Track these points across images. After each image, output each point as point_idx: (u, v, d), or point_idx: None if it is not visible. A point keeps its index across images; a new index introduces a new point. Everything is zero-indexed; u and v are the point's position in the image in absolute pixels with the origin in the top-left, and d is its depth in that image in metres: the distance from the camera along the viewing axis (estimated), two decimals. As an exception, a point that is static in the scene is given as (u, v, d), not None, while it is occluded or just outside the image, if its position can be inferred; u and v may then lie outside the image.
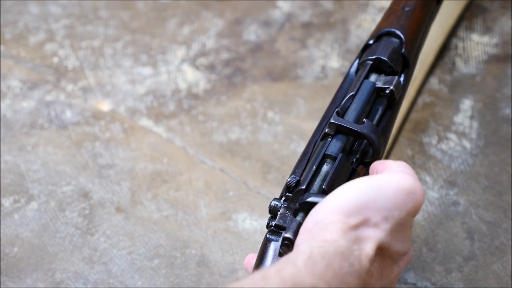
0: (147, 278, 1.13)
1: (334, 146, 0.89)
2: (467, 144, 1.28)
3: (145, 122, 1.32)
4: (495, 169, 1.25)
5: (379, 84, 0.96)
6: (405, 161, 1.25)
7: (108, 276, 1.13)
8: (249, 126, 1.31)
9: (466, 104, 1.33)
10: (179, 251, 1.16)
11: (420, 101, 1.34)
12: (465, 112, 1.32)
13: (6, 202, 1.21)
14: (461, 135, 1.29)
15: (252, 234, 1.17)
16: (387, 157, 1.25)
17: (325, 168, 0.87)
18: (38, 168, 1.25)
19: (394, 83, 0.95)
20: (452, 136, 1.29)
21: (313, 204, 0.81)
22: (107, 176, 1.24)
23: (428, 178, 1.23)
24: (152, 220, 1.19)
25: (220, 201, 1.21)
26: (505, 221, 1.18)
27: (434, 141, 1.28)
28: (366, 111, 0.94)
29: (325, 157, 0.88)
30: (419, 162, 1.25)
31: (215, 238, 1.17)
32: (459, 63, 1.39)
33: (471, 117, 1.31)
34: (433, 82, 1.37)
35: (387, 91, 0.95)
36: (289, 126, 1.30)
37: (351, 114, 0.92)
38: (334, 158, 0.88)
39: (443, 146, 1.28)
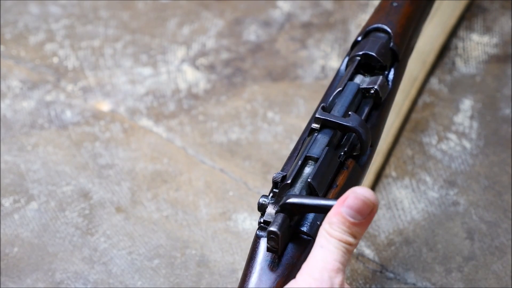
0: (147, 278, 1.13)
1: (320, 140, 0.89)
2: (467, 144, 1.28)
3: (145, 122, 1.32)
4: (495, 169, 1.25)
5: (363, 85, 0.96)
6: (405, 161, 1.26)
7: (108, 276, 1.13)
8: (249, 126, 1.31)
9: (466, 104, 1.33)
10: (179, 251, 1.16)
11: (420, 101, 1.34)
12: (465, 112, 1.32)
13: (6, 202, 1.21)
14: (461, 135, 1.29)
15: (252, 234, 1.17)
16: (387, 157, 1.25)
17: (311, 162, 0.87)
18: (38, 168, 1.25)
19: (378, 82, 0.96)
20: (452, 136, 1.29)
21: (294, 205, 0.81)
22: (107, 176, 1.24)
23: (428, 178, 1.23)
24: (152, 220, 1.19)
25: (220, 201, 1.21)
26: (505, 221, 1.18)
27: (434, 141, 1.28)
28: (353, 107, 0.94)
29: (311, 151, 0.88)
30: (419, 162, 1.25)
31: (215, 238, 1.17)
32: (459, 63, 1.39)
33: (471, 117, 1.31)
34: (433, 82, 1.37)
35: (372, 91, 0.96)
36: (289, 126, 1.30)
37: (338, 109, 0.93)
38: (319, 152, 0.88)
39: (443, 146, 1.28)
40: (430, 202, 1.21)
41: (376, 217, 1.19)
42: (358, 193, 0.79)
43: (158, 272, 1.14)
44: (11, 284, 1.12)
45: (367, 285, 1.12)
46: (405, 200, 1.21)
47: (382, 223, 1.18)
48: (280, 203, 0.82)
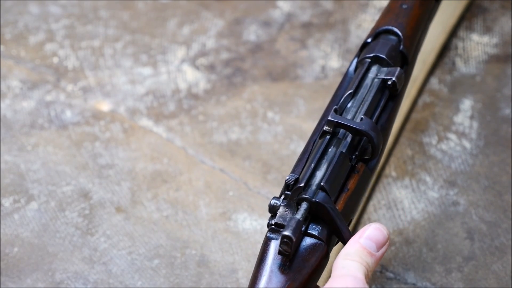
0: (147, 278, 1.13)
1: (332, 143, 0.89)
2: (467, 144, 1.28)
3: (145, 122, 1.32)
4: (495, 169, 1.25)
5: (381, 75, 0.96)
6: (405, 161, 1.26)
7: (108, 276, 1.13)
8: (249, 126, 1.31)
9: (466, 104, 1.33)
10: (179, 251, 1.16)
11: (420, 101, 1.34)
12: (465, 112, 1.32)
13: (6, 202, 1.21)
14: (461, 135, 1.29)
15: (252, 234, 1.17)
16: (388, 158, 1.25)
17: (323, 165, 0.87)
18: (38, 168, 1.25)
19: (396, 74, 0.96)
20: (452, 136, 1.29)
21: (326, 213, 0.83)
22: (107, 176, 1.24)
23: (428, 178, 1.23)
24: (152, 220, 1.19)
25: (220, 201, 1.21)
26: (505, 221, 1.18)
27: (434, 141, 1.28)
28: (366, 107, 0.94)
29: (323, 154, 0.88)
30: (419, 162, 1.25)
31: (215, 238, 1.17)
32: (459, 63, 1.39)
33: (471, 117, 1.31)
34: (433, 82, 1.37)
35: (389, 83, 0.96)
36: (289, 126, 1.30)
37: (350, 111, 0.93)
38: (332, 156, 0.88)
39: (443, 146, 1.28)
40: (430, 202, 1.21)
41: (376, 217, 1.19)
42: (376, 225, 0.84)
43: (158, 272, 1.14)
44: (11, 284, 1.12)
45: (367, 285, 1.12)
46: (405, 200, 1.21)
47: (382, 223, 1.18)
48: (312, 199, 0.84)
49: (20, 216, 1.20)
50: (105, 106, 1.34)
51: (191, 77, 1.38)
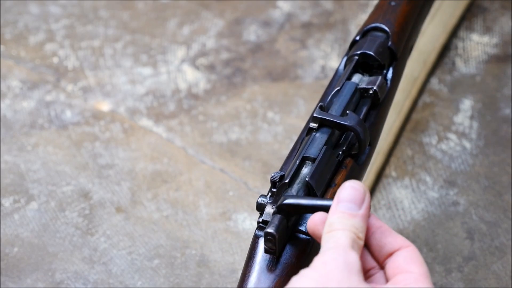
0: (147, 278, 1.13)
1: (318, 139, 0.89)
2: (467, 144, 1.28)
3: (145, 122, 1.32)
4: (495, 169, 1.25)
5: (362, 85, 0.96)
6: (405, 161, 1.26)
7: (108, 276, 1.13)
8: (249, 126, 1.31)
9: (466, 104, 1.33)
10: (179, 251, 1.16)
11: (420, 101, 1.34)
12: (465, 112, 1.32)
13: (6, 202, 1.21)
14: (461, 135, 1.29)
15: (252, 234, 1.17)
16: (388, 158, 1.25)
17: (309, 161, 0.87)
18: (38, 168, 1.25)
19: (377, 83, 0.95)
20: (452, 136, 1.29)
21: (291, 206, 0.81)
22: (107, 176, 1.24)
23: (428, 178, 1.23)
24: (152, 220, 1.19)
25: (220, 201, 1.21)
26: (505, 221, 1.18)
27: (434, 141, 1.28)
28: (351, 106, 0.94)
29: (309, 150, 0.88)
30: (419, 162, 1.25)
31: (215, 238, 1.17)
32: (459, 63, 1.40)
33: (471, 117, 1.31)
34: (433, 82, 1.37)
35: (371, 92, 0.95)
36: (289, 126, 1.30)
37: (335, 108, 0.93)
38: (318, 152, 0.88)
39: (443, 146, 1.28)
40: (430, 202, 1.21)
41: (376, 217, 1.19)
42: (344, 185, 0.79)
43: (158, 272, 1.14)
44: (11, 284, 1.12)
45: (367, 285, 1.12)
46: (405, 200, 1.21)
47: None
48: (277, 204, 0.82)
49: (20, 216, 1.20)
50: (105, 106, 1.34)
51: (191, 77, 1.38)
